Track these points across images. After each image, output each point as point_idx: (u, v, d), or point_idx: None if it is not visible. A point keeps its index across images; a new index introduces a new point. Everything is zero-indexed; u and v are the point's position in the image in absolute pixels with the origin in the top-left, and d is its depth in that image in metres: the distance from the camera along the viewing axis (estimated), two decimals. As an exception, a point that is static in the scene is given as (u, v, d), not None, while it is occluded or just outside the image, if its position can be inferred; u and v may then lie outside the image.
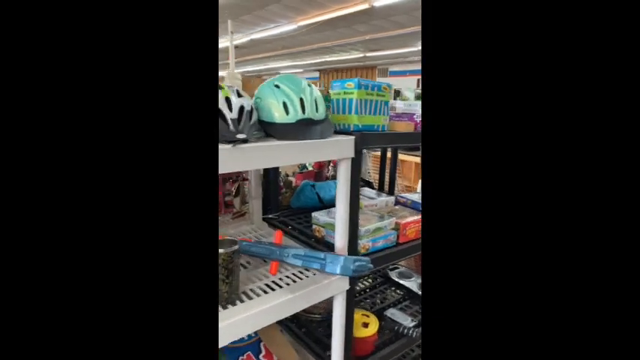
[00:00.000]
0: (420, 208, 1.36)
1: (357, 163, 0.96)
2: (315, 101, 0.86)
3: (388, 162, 1.79)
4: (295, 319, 1.34)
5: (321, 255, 0.91)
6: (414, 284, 1.60)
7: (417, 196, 1.47)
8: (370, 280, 1.74)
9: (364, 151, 1.90)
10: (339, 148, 0.88)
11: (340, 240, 0.96)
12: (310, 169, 1.84)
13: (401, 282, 1.63)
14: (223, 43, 7.43)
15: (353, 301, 1.06)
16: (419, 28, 6.09)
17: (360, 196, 1.41)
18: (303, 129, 0.82)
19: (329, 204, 1.44)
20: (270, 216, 1.34)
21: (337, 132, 0.97)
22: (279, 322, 1.36)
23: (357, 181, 0.98)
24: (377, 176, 1.82)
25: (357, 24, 6.32)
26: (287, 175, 1.85)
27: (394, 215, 1.27)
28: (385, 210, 1.35)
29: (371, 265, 0.93)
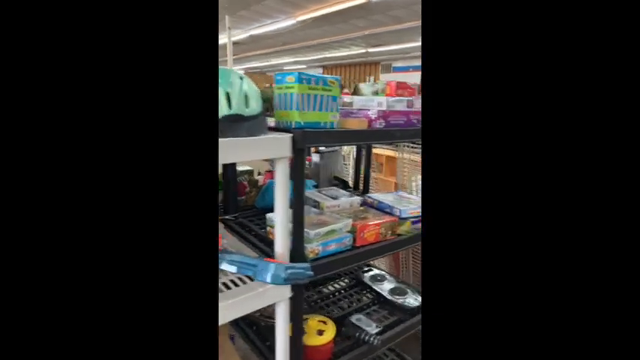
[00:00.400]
0: (386, 210, 1.29)
1: (300, 162, 0.89)
2: (246, 96, 0.79)
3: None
4: (254, 324, 1.29)
5: (254, 262, 0.85)
6: (385, 288, 1.54)
7: (386, 196, 1.40)
8: (342, 283, 1.68)
9: (337, 148, 1.84)
10: (272, 147, 0.82)
11: (280, 245, 0.90)
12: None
13: (372, 285, 1.57)
14: (221, 39, 7.41)
15: (301, 308, 1.00)
16: (418, 22, 6.00)
17: (324, 197, 1.35)
18: (227, 126, 0.75)
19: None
20: (226, 217, 1.29)
21: (279, 129, 0.91)
22: (237, 328, 1.31)
23: (302, 181, 0.92)
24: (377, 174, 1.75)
25: (356, 19, 6.22)
26: (260, 174, 1.80)
27: (356, 217, 1.21)
28: (349, 211, 1.28)
29: (310, 273, 0.87)
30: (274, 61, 12.33)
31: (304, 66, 13.34)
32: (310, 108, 0.91)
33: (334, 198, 1.34)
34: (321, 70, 13.78)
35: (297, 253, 0.95)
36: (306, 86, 0.89)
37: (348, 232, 1.11)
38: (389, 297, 1.47)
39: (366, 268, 1.72)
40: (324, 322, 1.18)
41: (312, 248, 1.00)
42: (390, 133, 1.04)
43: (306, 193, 1.39)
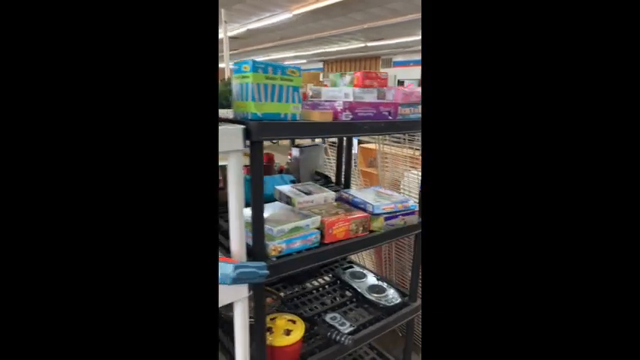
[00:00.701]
0: (360, 205, 1.25)
1: (257, 156, 0.85)
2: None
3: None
4: (225, 323, 1.25)
5: (204, 259, 0.81)
6: (363, 285, 1.50)
7: (363, 192, 1.36)
8: (322, 280, 1.64)
9: (319, 142, 1.79)
10: (221, 140, 0.77)
11: (236, 244, 0.86)
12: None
13: (351, 283, 1.53)
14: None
15: (262, 307, 0.96)
16: (417, 15, 5.91)
17: (297, 192, 1.31)
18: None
19: (267, 200, 1.34)
20: (195, 213, 1.25)
21: (236, 121, 0.86)
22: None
23: (259, 176, 0.88)
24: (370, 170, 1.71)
25: (354, 12, 6.13)
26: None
27: (327, 213, 1.17)
28: (322, 207, 1.24)
29: (264, 272, 0.83)
30: (274, 56, 12.25)
31: (304, 61, 13.25)
32: (268, 99, 0.87)
33: (308, 194, 1.30)
34: (321, 65, 13.67)
35: (257, 250, 0.91)
36: (263, 75, 0.84)
37: (317, 228, 1.07)
38: (367, 295, 1.44)
39: (347, 265, 1.68)
40: (293, 322, 1.15)
41: (275, 246, 0.96)
42: (356, 125, 0.99)
43: (280, 188, 1.36)
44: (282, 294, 1.51)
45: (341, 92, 1.02)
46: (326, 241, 1.08)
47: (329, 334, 1.19)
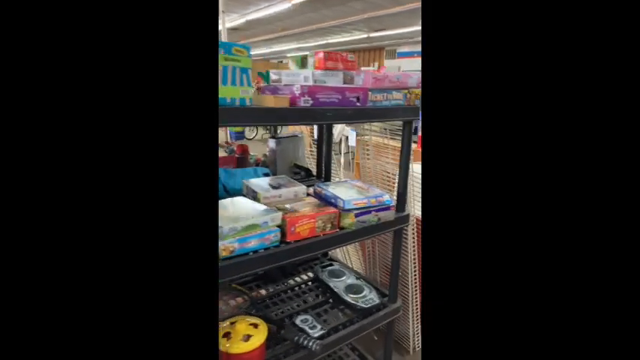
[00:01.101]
0: (331, 200, 1.16)
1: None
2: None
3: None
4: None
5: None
6: (341, 285, 1.41)
7: (338, 185, 1.26)
8: (299, 279, 1.55)
9: (298, 133, 1.69)
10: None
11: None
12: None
13: (328, 282, 1.44)
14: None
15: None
16: (419, 4, 5.73)
17: (265, 186, 1.22)
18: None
19: (235, 195, 1.25)
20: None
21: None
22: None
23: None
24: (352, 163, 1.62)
25: (353, 1, 5.97)
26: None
27: (293, 209, 1.07)
28: (290, 202, 1.15)
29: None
30: (276, 48, 12.10)
31: (307, 52, 13.07)
32: (210, 82, 0.77)
33: (277, 187, 1.21)
34: (324, 57, 13.45)
35: (203, 250, 0.82)
36: (202, 55, 0.75)
37: (277, 226, 0.98)
38: (343, 295, 1.35)
39: (327, 263, 1.59)
40: (255, 326, 1.06)
41: (225, 246, 0.87)
42: (317, 112, 0.89)
43: (248, 182, 1.27)
44: (254, 293, 1.43)
45: (300, 76, 0.92)
46: (288, 240, 0.99)
47: (296, 338, 1.11)
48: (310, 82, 0.90)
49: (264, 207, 1.05)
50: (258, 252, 0.93)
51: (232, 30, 8.13)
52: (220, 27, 7.13)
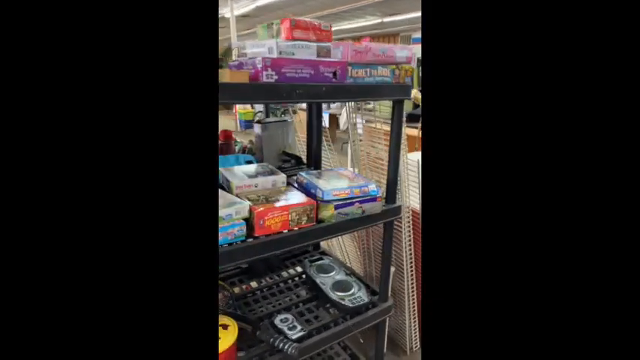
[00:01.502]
0: (311, 190, 1.05)
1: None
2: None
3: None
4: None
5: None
6: (329, 281, 1.31)
7: (324, 174, 1.15)
8: (286, 274, 1.46)
9: (287, 118, 1.58)
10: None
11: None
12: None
13: (315, 278, 1.33)
14: (225, 13, 7.11)
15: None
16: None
17: (241, 175, 1.12)
18: None
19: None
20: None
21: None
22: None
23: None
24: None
25: (364, -17, 5.75)
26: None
27: (266, 199, 0.97)
28: (266, 193, 1.04)
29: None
30: (288, 36, 11.92)
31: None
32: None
33: (254, 176, 1.11)
34: (338, 44, 13.18)
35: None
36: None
37: (244, 219, 0.88)
38: (329, 292, 1.24)
39: (317, 257, 1.49)
40: (225, 327, 0.97)
41: (180, 240, 0.78)
42: (283, 88, 0.78)
43: (223, 171, 1.17)
44: (236, 289, 1.34)
45: (264, 47, 0.80)
46: (256, 234, 0.89)
47: (272, 340, 1.01)
48: (275, 54, 0.78)
49: (233, 198, 0.95)
50: (221, 247, 0.83)
51: (242, 17, 8.00)
52: (229, 14, 7.04)
